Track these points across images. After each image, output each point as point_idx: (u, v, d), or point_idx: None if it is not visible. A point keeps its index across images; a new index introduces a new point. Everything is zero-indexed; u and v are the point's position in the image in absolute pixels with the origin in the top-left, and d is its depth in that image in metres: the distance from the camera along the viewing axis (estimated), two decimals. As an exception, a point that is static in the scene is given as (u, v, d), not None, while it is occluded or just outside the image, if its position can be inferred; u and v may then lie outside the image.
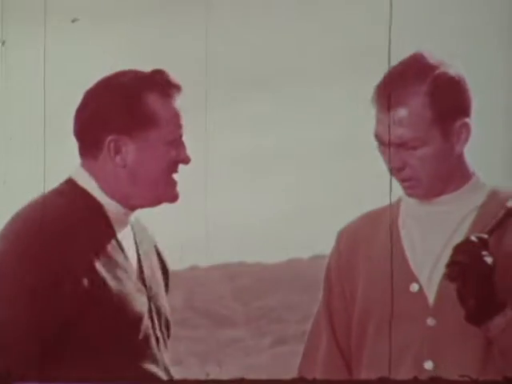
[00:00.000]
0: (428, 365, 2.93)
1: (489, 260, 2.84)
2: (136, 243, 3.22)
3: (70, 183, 3.12)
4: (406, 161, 2.99)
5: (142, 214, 3.34)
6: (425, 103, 2.99)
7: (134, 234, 3.21)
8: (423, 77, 3.00)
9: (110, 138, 3.06)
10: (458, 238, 2.97)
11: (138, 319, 3.10)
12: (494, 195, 3.07)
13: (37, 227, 3.05)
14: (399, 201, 3.12)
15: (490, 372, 2.90)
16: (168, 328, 3.24)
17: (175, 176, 3.13)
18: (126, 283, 3.12)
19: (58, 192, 3.13)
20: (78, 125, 3.16)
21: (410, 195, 3.05)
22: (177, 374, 3.35)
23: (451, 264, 2.83)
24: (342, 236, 3.21)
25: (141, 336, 3.10)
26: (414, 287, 3.01)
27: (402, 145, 2.99)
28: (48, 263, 3.03)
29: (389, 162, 3.03)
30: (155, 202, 3.14)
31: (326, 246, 3.34)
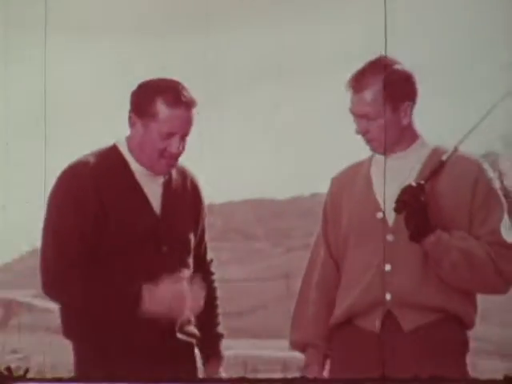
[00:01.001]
0: (387, 267, 3.45)
1: (423, 198, 3.34)
2: (164, 187, 3.58)
3: (113, 147, 3.61)
4: (368, 128, 3.55)
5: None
6: (380, 89, 3.48)
7: (167, 185, 3.58)
8: (381, 71, 3.49)
9: (130, 114, 3.54)
10: (411, 178, 3.53)
11: (147, 242, 3.48)
12: (435, 151, 3.62)
13: (79, 174, 3.53)
14: (372, 156, 3.66)
15: (429, 273, 3.47)
16: (183, 247, 3.54)
17: (166, 163, 3.51)
18: (139, 215, 3.53)
19: (101, 152, 3.58)
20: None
21: (373, 151, 3.62)
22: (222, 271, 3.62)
23: (397, 201, 3.35)
24: (333, 182, 3.79)
25: (153, 255, 3.46)
26: (379, 215, 3.59)
27: (364, 116, 3.54)
28: (84, 197, 3.48)
29: (363, 135, 3.62)
30: (153, 169, 3.52)
31: (321, 186, 3.88)
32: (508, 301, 3.64)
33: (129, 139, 3.45)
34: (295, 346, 3.58)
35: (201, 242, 3.56)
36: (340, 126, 3.81)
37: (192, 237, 3.50)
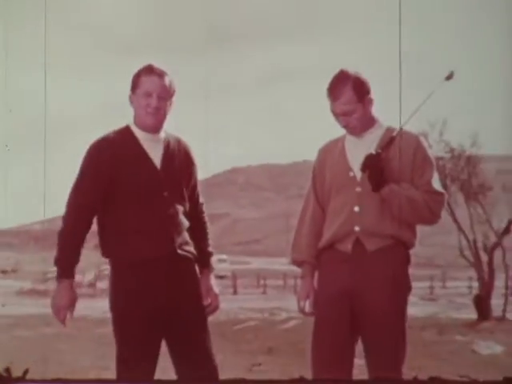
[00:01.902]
0: (356, 208, 3.32)
1: (380, 162, 3.27)
2: (164, 150, 3.33)
3: (126, 126, 3.35)
4: (348, 121, 3.34)
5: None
6: (351, 93, 3.32)
7: (165, 146, 3.34)
8: (347, 81, 3.32)
9: (129, 95, 3.31)
10: (370, 149, 3.32)
11: (151, 188, 3.24)
12: (387, 130, 3.40)
13: (93, 147, 3.27)
14: (346, 134, 3.43)
15: (385, 212, 3.30)
16: (179, 192, 3.31)
17: (150, 116, 3.25)
18: (144, 168, 3.27)
19: (117, 130, 3.34)
20: None
21: (350, 134, 3.40)
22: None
23: (363, 164, 3.24)
24: (320, 151, 3.57)
25: (157, 198, 3.24)
26: (350, 174, 3.36)
27: (345, 114, 3.35)
28: (96, 164, 3.24)
29: (341, 123, 3.38)
30: (144, 126, 3.30)
31: (311, 154, 3.67)
32: (435, 229, 3.63)
33: (133, 117, 3.29)
34: (294, 262, 3.60)
35: (194, 190, 3.38)
36: (328, 111, 3.65)
37: (185, 186, 3.33)
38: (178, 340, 3.27)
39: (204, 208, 3.50)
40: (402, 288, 3.32)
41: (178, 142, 3.39)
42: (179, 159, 3.36)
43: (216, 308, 3.42)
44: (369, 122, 3.38)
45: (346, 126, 3.39)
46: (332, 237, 3.36)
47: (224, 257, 35.20)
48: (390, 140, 3.33)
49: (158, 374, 3.26)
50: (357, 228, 3.31)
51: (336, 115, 3.37)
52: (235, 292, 25.45)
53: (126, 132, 3.31)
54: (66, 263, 3.23)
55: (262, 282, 27.95)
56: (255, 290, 26.54)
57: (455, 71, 3.50)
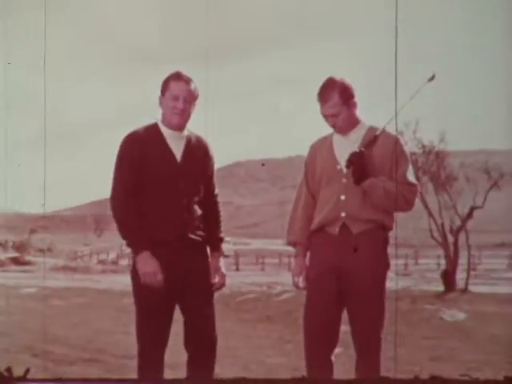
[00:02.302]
0: (342, 197, 3.30)
1: (362, 160, 3.25)
2: (185, 146, 3.28)
3: (154, 122, 3.31)
4: (335, 121, 3.32)
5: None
6: (338, 97, 3.29)
7: (186, 143, 3.29)
8: (334, 86, 3.29)
9: (159, 98, 3.26)
10: (355, 147, 3.30)
11: (171, 179, 3.21)
12: (371, 129, 3.37)
13: (125, 140, 3.25)
14: (333, 132, 3.39)
15: (366, 201, 3.27)
16: (194, 183, 3.26)
17: (176, 117, 3.21)
18: (166, 162, 3.24)
19: (146, 126, 3.30)
20: None
21: (337, 133, 3.36)
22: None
23: (347, 161, 3.24)
24: (311, 147, 3.50)
25: (174, 188, 3.21)
26: (338, 167, 3.32)
27: (333, 116, 3.31)
28: (128, 155, 3.22)
29: (329, 123, 3.35)
30: (172, 124, 3.24)
31: (303, 150, 3.67)
32: (409, 214, 3.58)
33: (161, 116, 3.25)
34: (289, 243, 3.58)
35: (210, 182, 3.34)
36: (317, 113, 3.61)
37: (201, 178, 3.30)
38: (187, 309, 3.27)
39: (218, 198, 3.45)
40: (382, 265, 3.33)
41: (199, 139, 3.35)
42: (198, 154, 3.32)
43: (222, 285, 3.42)
44: (353, 122, 3.35)
45: (333, 126, 3.38)
46: (322, 221, 3.36)
47: (228, 239, 35.07)
48: (373, 138, 3.30)
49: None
50: (343, 214, 3.31)
51: (325, 116, 3.35)
52: (237, 269, 25.42)
53: (153, 128, 3.28)
54: (138, 240, 3.18)
55: (260, 260, 27.92)
56: (255, 267, 26.52)
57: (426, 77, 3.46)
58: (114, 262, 27.51)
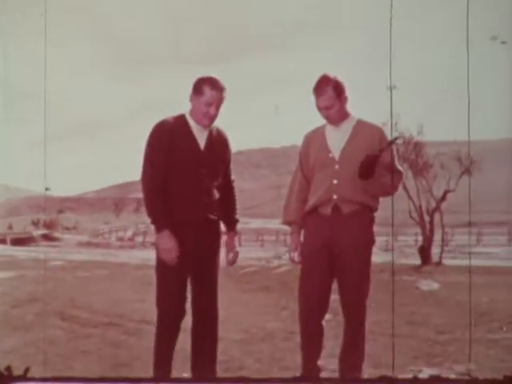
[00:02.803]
0: (335, 181, 3.27)
1: (375, 163, 3.21)
2: (208, 137, 3.26)
3: (181, 114, 3.28)
4: (328, 114, 3.30)
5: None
6: (331, 91, 3.29)
7: (210, 134, 3.27)
8: (329, 82, 3.29)
9: (191, 95, 3.23)
10: (346, 138, 3.31)
11: (194, 166, 3.21)
12: (359, 122, 3.36)
13: (156, 127, 3.22)
14: (326, 123, 3.37)
15: (357, 185, 3.24)
16: (215, 170, 3.26)
17: (207, 120, 3.22)
18: (191, 150, 3.23)
19: (175, 116, 3.27)
20: None
21: (330, 124, 3.34)
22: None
23: (361, 162, 3.21)
24: (305, 137, 3.48)
25: (197, 174, 3.20)
26: (330, 155, 3.30)
27: (326, 108, 3.30)
28: (159, 141, 3.19)
29: (323, 115, 3.34)
30: (201, 123, 3.22)
31: (298, 140, 3.59)
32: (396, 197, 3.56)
33: (190, 109, 3.22)
34: (285, 222, 3.58)
35: (227, 169, 3.32)
36: (311, 108, 3.60)
37: (220, 165, 3.29)
38: (197, 282, 3.27)
39: (234, 184, 3.43)
40: (369, 241, 3.34)
41: (219, 131, 3.34)
42: (218, 144, 3.31)
43: (235, 261, 3.42)
44: (344, 115, 3.35)
45: (327, 118, 3.37)
46: (315, 202, 3.36)
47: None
48: (388, 143, 3.29)
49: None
50: (335, 196, 3.31)
51: (319, 109, 3.35)
52: (240, 245, 25.39)
53: (181, 119, 3.25)
54: (161, 219, 3.15)
55: (260, 237, 27.92)
56: (255, 244, 26.52)
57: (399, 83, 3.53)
58: (131, 239, 27.53)
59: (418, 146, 15.53)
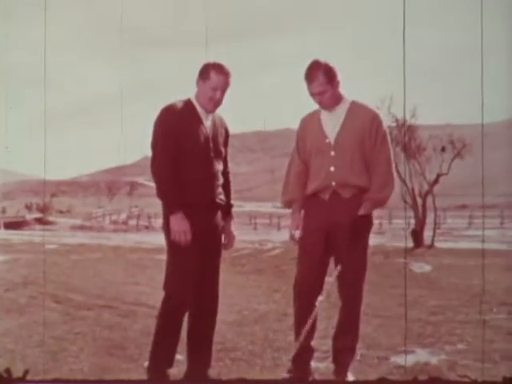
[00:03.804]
0: (332, 168, 3.29)
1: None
2: (212, 123, 3.31)
3: (188, 99, 3.30)
4: (321, 99, 3.28)
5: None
6: (323, 77, 3.28)
7: (213, 120, 3.31)
8: (319, 67, 3.27)
9: (197, 79, 3.26)
10: (340, 123, 3.30)
11: (204, 150, 3.23)
12: (353, 104, 3.34)
13: (165, 111, 3.23)
14: (320, 108, 3.36)
15: (355, 169, 3.26)
16: (219, 154, 3.30)
17: (213, 105, 3.25)
18: (200, 135, 3.23)
19: (182, 100, 3.29)
20: None
21: (323, 108, 3.33)
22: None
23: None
24: (302, 120, 3.47)
25: (206, 158, 3.23)
26: (326, 140, 3.30)
27: (319, 94, 3.28)
28: (169, 125, 3.19)
29: (316, 100, 3.32)
30: (207, 108, 3.25)
31: (293, 124, 3.66)
32: None
33: (196, 94, 3.24)
34: (285, 203, 3.56)
35: (226, 155, 3.35)
36: (304, 91, 3.58)
37: (223, 150, 3.33)
38: (204, 263, 3.27)
39: (230, 170, 3.46)
40: (367, 224, 3.33)
41: (220, 117, 3.37)
42: (221, 130, 3.34)
43: (232, 245, 3.44)
44: (337, 98, 3.33)
45: (320, 103, 3.35)
46: (315, 189, 3.35)
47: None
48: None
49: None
50: (333, 183, 3.32)
51: (312, 95, 3.33)
52: (233, 228, 25.45)
53: (188, 104, 3.26)
54: (174, 201, 3.17)
55: (253, 220, 27.97)
56: (248, 227, 26.57)
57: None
58: (124, 222, 27.55)
59: (411, 129, 15.55)
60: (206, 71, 3.25)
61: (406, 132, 15.41)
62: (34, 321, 4.84)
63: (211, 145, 3.26)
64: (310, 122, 3.41)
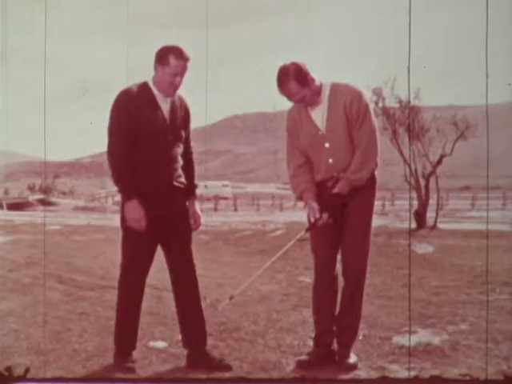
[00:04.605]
0: (330, 160, 3.27)
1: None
2: (171, 105, 3.28)
3: (145, 82, 3.29)
4: (304, 102, 3.22)
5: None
6: (296, 85, 3.19)
7: (172, 102, 3.29)
8: (288, 76, 3.18)
9: (154, 64, 3.24)
10: (326, 111, 3.26)
11: (161, 134, 3.23)
12: (333, 88, 3.28)
13: (121, 96, 3.22)
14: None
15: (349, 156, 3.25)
16: (179, 137, 3.29)
17: (173, 90, 3.24)
18: (157, 119, 3.23)
19: (138, 84, 3.28)
20: None
21: (310, 107, 3.27)
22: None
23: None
24: (288, 114, 3.39)
25: (163, 142, 3.22)
26: (319, 133, 3.26)
27: (299, 100, 3.22)
28: (124, 110, 3.18)
29: (300, 105, 3.27)
30: (166, 93, 3.25)
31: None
32: (387, 161, 3.50)
33: (153, 78, 3.22)
34: (299, 195, 3.47)
35: (188, 136, 3.33)
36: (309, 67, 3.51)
37: (183, 132, 3.31)
38: (170, 248, 3.30)
39: (193, 150, 3.44)
40: (371, 203, 3.33)
41: (180, 98, 3.33)
42: (180, 112, 3.31)
43: (199, 225, 3.43)
44: (317, 91, 3.26)
45: (305, 106, 3.27)
46: (320, 180, 3.33)
47: (227, 183, 35.25)
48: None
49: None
50: (335, 173, 3.30)
51: (295, 102, 3.26)
52: (236, 209, 25.53)
53: (145, 87, 3.23)
54: (130, 188, 3.17)
55: (255, 201, 27.99)
56: (250, 208, 26.62)
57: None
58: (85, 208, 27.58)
59: (414, 110, 15.48)
60: (164, 56, 3.21)
61: (410, 113, 15.34)
62: (38, 301, 4.86)
63: (169, 128, 3.24)
64: (298, 117, 3.33)
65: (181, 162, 3.31)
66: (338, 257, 3.39)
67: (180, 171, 3.31)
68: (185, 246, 3.34)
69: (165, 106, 3.25)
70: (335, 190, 3.25)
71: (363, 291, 3.37)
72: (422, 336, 3.84)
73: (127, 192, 3.18)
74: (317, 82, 3.26)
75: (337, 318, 3.39)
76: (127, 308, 3.30)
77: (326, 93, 3.28)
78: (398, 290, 5.41)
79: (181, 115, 3.31)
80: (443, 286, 5.65)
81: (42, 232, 11.93)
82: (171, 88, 3.23)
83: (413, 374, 3.21)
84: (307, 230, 3.35)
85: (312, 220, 3.31)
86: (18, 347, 3.63)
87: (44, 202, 26.22)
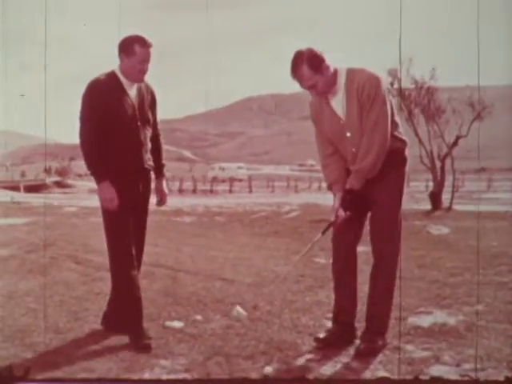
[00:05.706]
0: (353, 149, 3.22)
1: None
2: (137, 91, 3.43)
3: (112, 71, 3.42)
4: (317, 90, 3.17)
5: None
6: (308, 71, 3.13)
7: (138, 88, 3.43)
8: (302, 61, 3.12)
9: (119, 54, 3.38)
10: (344, 99, 3.19)
11: (130, 119, 3.37)
12: (348, 74, 3.20)
13: (91, 86, 3.33)
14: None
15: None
16: (147, 121, 3.45)
17: (142, 76, 3.38)
18: (126, 105, 3.36)
19: (106, 73, 3.40)
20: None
21: (323, 96, 3.23)
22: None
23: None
24: (310, 105, 3.33)
25: (133, 127, 3.37)
26: (340, 121, 3.20)
27: (311, 87, 3.15)
28: (95, 99, 3.30)
29: (312, 92, 3.21)
30: (137, 80, 3.40)
31: None
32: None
33: (120, 66, 3.37)
34: (330, 184, 3.44)
35: (155, 120, 3.51)
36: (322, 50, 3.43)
37: (151, 117, 3.47)
38: (135, 225, 3.47)
39: (160, 132, 3.62)
40: (401, 186, 3.33)
41: (146, 85, 3.50)
42: (147, 98, 3.48)
43: (165, 202, 3.65)
44: (332, 79, 3.19)
45: (316, 94, 3.23)
46: (349, 164, 3.28)
47: (242, 165, 35.28)
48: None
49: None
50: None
51: (306, 89, 3.19)
52: (250, 191, 25.57)
53: (112, 76, 3.38)
54: (100, 171, 3.35)
55: (270, 183, 27.98)
56: (265, 190, 26.61)
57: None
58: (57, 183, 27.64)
59: (430, 91, 15.31)
60: (129, 47, 3.35)
61: (426, 94, 15.17)
62: (55, 281, 4.92)
63: (137, 113, 3.40)
64: (320, 106, 3.28)
65: (149, 145, 3.47)
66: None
67: (149, 154, 3.47)
68: (144, 225, 3.56)
69: (132, 93, 3.40)
70: (346, 186, 3.23)
71: (393, 279, 3.36)
72: (437, 317, 3.84)
73: (97, 174, 3.35)
74: (332, 70, 3.19)
75: (366, 303, 3.38)
76: (125, 276, 3.47)
77: (341, 81, 3.21)
78: (414, 270, 5.39)
79: (148, 100, 3.47)
80: (459, 266, 5.62)
81: (58, 213, 12.04)
82: (141, 74, 3.38)
83: (429, 354, 3.20)
84: (330, 224, 3.35)
85: (331, 219, 3.32)
86: (36, 326, 3.68)
87: (60, 185, 26.42)
